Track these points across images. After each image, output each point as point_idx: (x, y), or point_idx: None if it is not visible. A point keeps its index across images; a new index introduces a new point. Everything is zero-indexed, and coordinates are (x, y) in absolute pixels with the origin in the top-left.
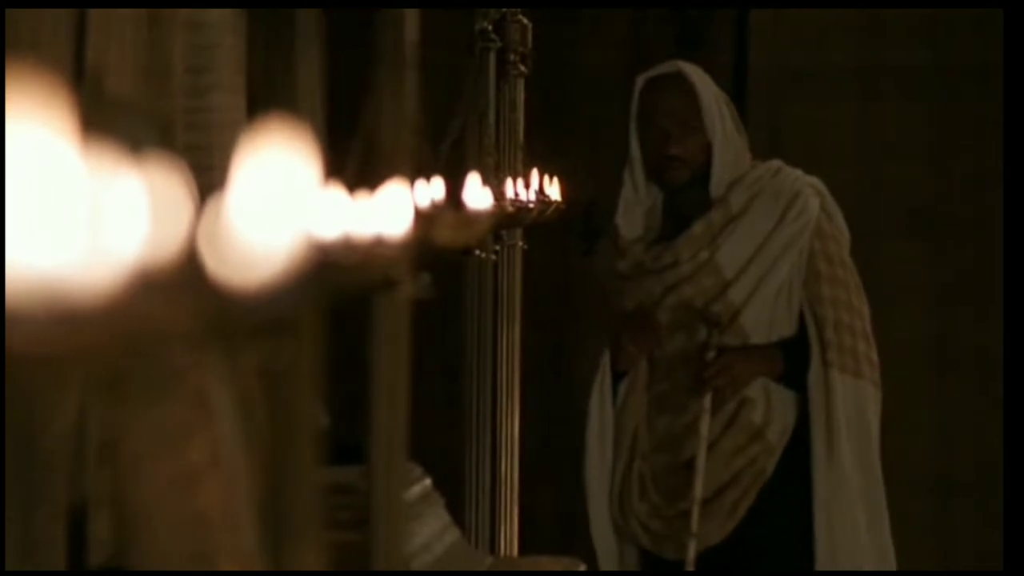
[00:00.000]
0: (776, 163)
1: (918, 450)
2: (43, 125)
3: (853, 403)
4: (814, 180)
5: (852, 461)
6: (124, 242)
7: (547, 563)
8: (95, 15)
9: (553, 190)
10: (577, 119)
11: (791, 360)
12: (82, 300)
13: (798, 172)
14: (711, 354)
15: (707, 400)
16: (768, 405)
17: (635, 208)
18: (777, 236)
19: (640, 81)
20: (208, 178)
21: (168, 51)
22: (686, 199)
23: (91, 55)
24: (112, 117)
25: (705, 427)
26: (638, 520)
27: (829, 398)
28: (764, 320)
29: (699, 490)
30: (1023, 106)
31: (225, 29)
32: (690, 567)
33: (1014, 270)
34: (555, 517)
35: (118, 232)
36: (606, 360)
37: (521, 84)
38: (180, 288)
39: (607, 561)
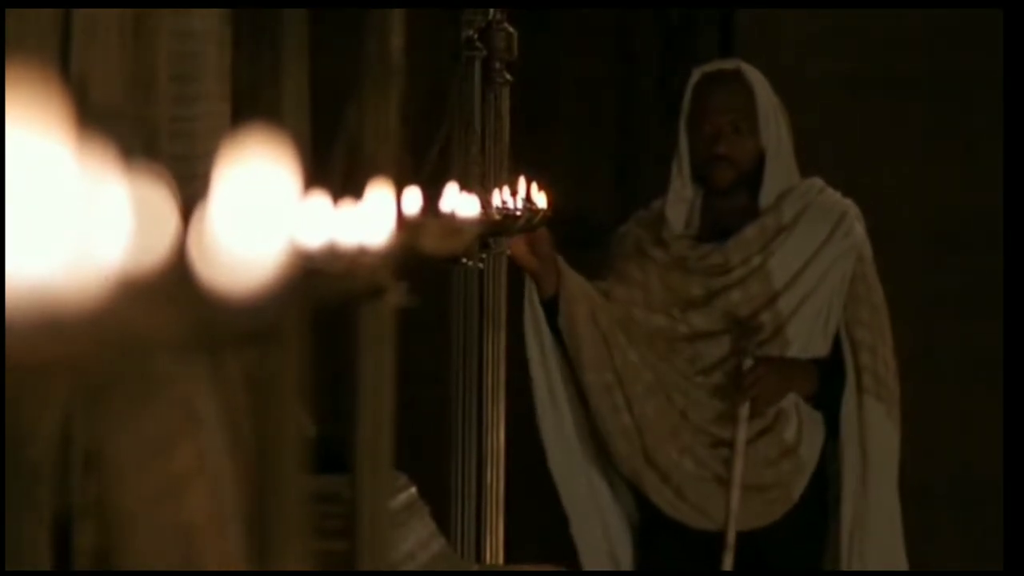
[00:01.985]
0: (819, 181)
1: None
2: (33, 131)
3: (884, 435)
4: (852, 203)
5: (884, 491)
6: (110, 249)
7: (533, 571)
8: (80, 23)
9: (540, 198)
10: (563, 127)
11: (829, 380)
12: (67, 307)
13: (839, 193)
14: (748, 362)
15: (744, 409)
16: (800, 425)
17: (681, 204)
18: (825, 253)
19: (695, 74)
20: (193, 187)
21: (153, 59)
22: (728, 204)
23: (76, 63)
24: (98, 125)
25: (742, 440)
26: (667, 456)
27: (863, 425)
28: (803, 337)
29: (736, 504)
30: (1019, 112)
31: (211, 37)
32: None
33: (1013, 279)
34: (541, 526)
35: (104, 239)
36: (530, 289)
37: (507, 92)
38: (165, 296)
39: (575, 503)
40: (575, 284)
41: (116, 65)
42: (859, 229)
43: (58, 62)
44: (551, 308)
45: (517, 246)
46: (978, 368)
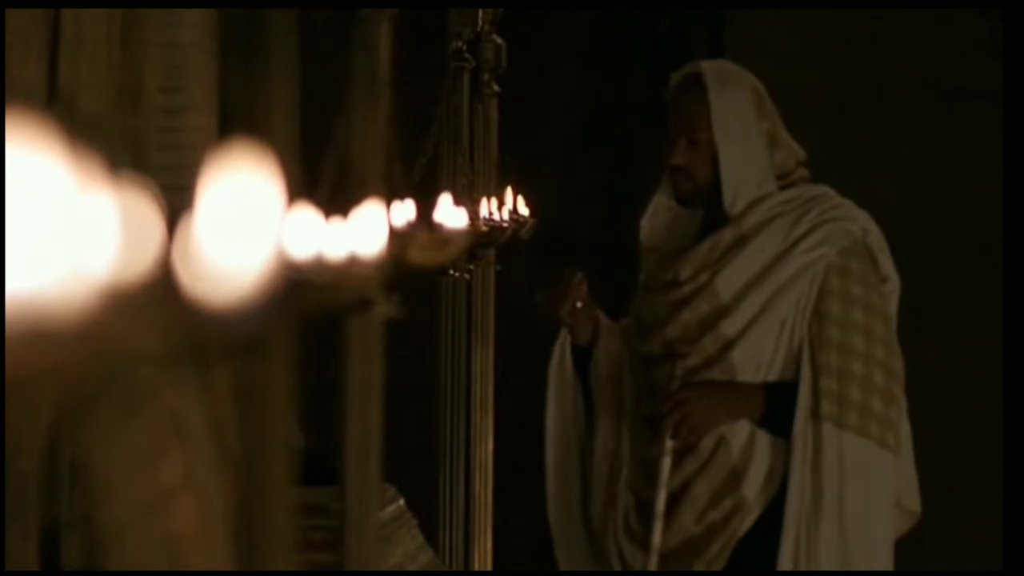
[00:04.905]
0: (820, 189)
1: None
2: (22, 143)
3: (853, 464)
4: (861, 215)
5: (840, 534)
6: (97, 261)
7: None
8: (67, 35)
9: (527, 209)
10: (551, 138)
11: (783, 404)
12: (56, 319)
13: (842, 202)
14: (674, 386)
15: (667, 439)
16: (750, 450)
17: (662, 214)
18: (784, 265)
19: (672, 80)
20: (181, 198)
21: (141, 71)
22: (713, 214)
23: (63, 75)
24: (86, 136)
25: (665, 470)
26: (616, 542)
27: (818, 456)
28: (763, 357)
29: (658, 537)
30: (1017, 120)
31: (198, 49)
32: None
33: (1013, 289)
34: (529, 538)
35: (92, 251)
36: (564, 335)
37: (495, 104)
38: (153, 308)
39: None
40: (608, 344)
41: (104, 76)
42: (842, 240)
43: (46, 74)
44: (581, 353)
45: (558, 304)
46: (972, 382)
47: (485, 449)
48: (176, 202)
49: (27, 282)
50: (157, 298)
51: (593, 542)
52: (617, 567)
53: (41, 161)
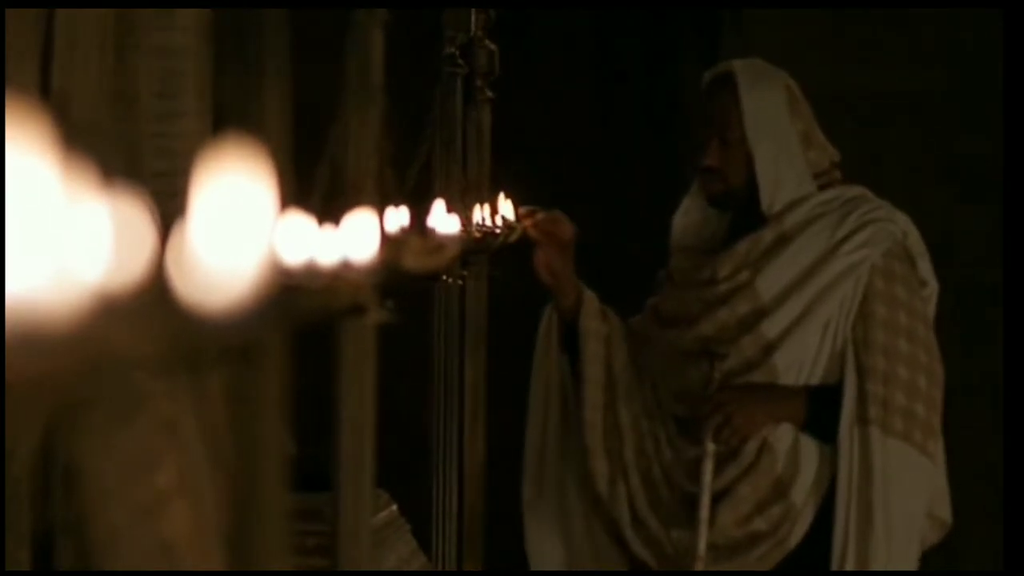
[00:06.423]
0: (858, 189)
1: None
2: (15, 148)
3: (897, 471)
4: (900, 217)
5: (888, 541)
6: (90, 267)
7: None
8: (61, 40)
9: (515, 213)
10: (545, 143)
11: (825, 408)
12: (48, 325)
13: (881, 203)
14: (713, 389)
15: (708, 442)
16: (795, 456)
17: (693, 213)
18: (828, 266)
19: (705, 79)
20: (174, 204)
21: (134, 77)
22: (744, 215)
23: (57, 80)
24: (79, 142)
25: (707, 474)
26: (635, 514)
27: (866, 462)
28: (806, 359)
29: (703, 544)
30: (1017, 123)
31: (191, 55)
32: None
33: (1013, 296)
34: (522, 543)
35: (84, 257)
36: (550, 308)
37: (488, 109)
38: (145, 313)
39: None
40: (592, 316)
41: (97, 82)
42: (885, 241)
43: (40, 79)
44: (572, 326)
45: (536, 260)
46: (971, 382)
47: (478, 455)
48: (169, 208)
49: (20, 288)
50: (150, 304)
51: (566, 508)
52: (631, 534)
53: (34, 166)
